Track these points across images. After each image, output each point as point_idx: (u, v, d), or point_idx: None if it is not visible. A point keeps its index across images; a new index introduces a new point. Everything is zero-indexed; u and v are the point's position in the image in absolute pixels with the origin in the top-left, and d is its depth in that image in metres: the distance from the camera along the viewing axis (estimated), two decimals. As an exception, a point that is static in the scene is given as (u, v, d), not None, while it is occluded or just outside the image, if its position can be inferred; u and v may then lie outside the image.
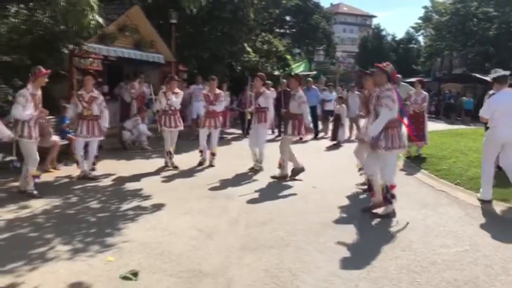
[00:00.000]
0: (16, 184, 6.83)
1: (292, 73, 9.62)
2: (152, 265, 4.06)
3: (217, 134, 9.15)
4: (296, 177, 7.81)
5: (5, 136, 6.13)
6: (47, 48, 9.61)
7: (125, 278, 3.77)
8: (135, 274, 3.82)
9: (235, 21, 16.14)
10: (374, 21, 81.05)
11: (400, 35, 71.92)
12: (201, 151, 9.05)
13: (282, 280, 3.80)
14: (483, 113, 6.37)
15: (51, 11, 8.61)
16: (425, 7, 43.76)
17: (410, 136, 9.85)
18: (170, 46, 15.12)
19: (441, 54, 41.93)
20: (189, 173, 8.34)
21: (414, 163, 9.35)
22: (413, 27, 49.75)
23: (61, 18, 7.71)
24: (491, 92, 6.81)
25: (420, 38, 51.86)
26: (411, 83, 11.60)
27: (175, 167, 8.62)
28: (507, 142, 6.13)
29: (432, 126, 17.07)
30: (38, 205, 5.90)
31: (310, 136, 11.98)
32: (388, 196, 5.58)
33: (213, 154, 9.06)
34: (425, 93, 10.07)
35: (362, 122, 7.67)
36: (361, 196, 6.75)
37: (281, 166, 7.85)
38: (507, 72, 6.51)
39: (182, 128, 9.08)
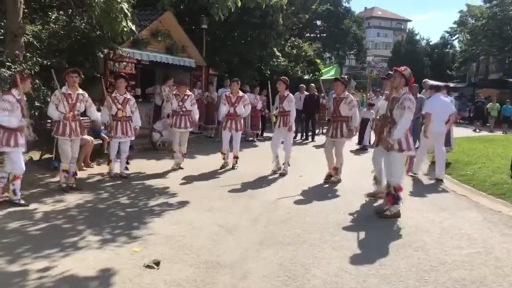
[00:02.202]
0: (54, 180, 7.33)
1: (338, 77, 9.56)
2: (174, 256, 4.35)
3: (239, 137, 9.22)
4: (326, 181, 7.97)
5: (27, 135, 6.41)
6: (84, 52, 10.16)
7: (148, 266, 4.07)
8: (157, 263, 4.12)
9: (264, 26, 16.44)
10: (409, 25, 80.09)
11: (435, 39, 70.80)
12: (223, 154, 9.19)
13: (295, 273, 4.01)
14: None
15: (88, 17, 9.08)
16: (460, 11, 42.89)
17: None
18: (201, 50, 15.56)
19: (477, 59, 41.02)
20: (214, 173, 8.63)
21: (439, 168, 9.33)
22: (447, 32, 48.84)
23: (97, 24, 8.15)
24: None
25: (456, 43, 50.88)
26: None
27: (180, 168, 8.81)
28: None
29: (463, 132, 16.93)
30: (72, 199, 6.32)
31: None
32: (395, 197, 5.71)
33: (235, 157, 9.17)
34: (451, 98, 10.03)
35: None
36: (380, 200, 6.84)
37: (337, 171, 7.94)
38: None
39: (192, 129, 9.24)
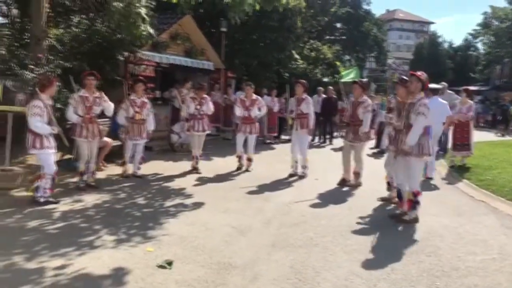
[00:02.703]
0: (73, 180, 7.50)
1: (356, 80, 9.50)
2: (187, 256, 4.42)
3: (253, 140, 9.25)
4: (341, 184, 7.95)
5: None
6: (105, 55, 10.34)
7: (160, 266, 4.15)
8: (170, 263, 4.19)
9: (282, 29, 16.48)
10: (432, 28, 78.93)
11: (459, 42, 69.59)
12: (238, 157, 9.24)
13: (305, 276, 4.04)
14: None
15: (108, 21, 9.26)
16: (484, 13, 42.15)
17: (454, 146, 9.79)
18: (219, 53, 15.67)
19: (501, 62, 40.24)
20: (230, 175, 8.70)
21: (457, 172, 9.22)
22: (471, 34, 48.00)
23: (116, 28, 8.32)
24: None
25: (479, 45, 49.94)
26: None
27: (199, 172, 8.83)
28: None
29: (486, 136, 16.63)
30: (90, 199, 6.46)
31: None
32: (414, 202, 5.66)
33: (249, 160, 9.21)
34: (471, 102, 9.89)
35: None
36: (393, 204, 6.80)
37: (357, 175, 7.92)
38: None
39: (209, 131, 9.31)
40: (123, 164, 8.15)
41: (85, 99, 6.95)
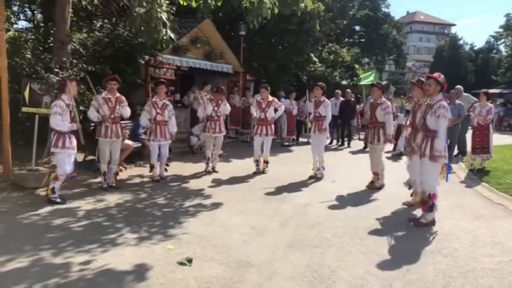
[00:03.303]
0: (95, 180, 7.73)
1: (375, 82, 9.53)
2: (206, 254, 4.54)
3: (269, 142, 9.26)
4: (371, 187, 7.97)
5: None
6: (126, 59, 10.62)
7: (181, 263, 4.28)
8: (190, 260, 4.32)
9: (301, 33, 16.57)
10: (453, 30, 77.96)
11: (480, 44, 68.55)
12: (256, 161, 9.22)
13: (321, 274, 4.12)
14: None
15: (129, 26, 9.50)
16: (507, 15, 41.45)
17: (474, 149, 9.73)
18: (238, 56, 15.85)
19: (524, 64, 39.48)
20: (248, 177, 8.79)
21: (476, 175, 9.16)
22: (493, 36, 47.21)
23: (137, 33, 8.53)
24: None
25: (502, 47, 49.07)
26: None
27: (216, 171, 8.99)
28: None
29: (508, 140, 16.40)
30: (112, 199, 6.66)
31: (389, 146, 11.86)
32: (430, 205, 5.68)
33: (265, 162, 9.26)
34: (490, 105, 9.83)
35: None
36: (415, 208, 6.80)
37: (378, 176, 7.93)
38: None
39: (225, 133, 9.40)
40: (152, 168, 8.17)
41: (108, 100, 7.19)
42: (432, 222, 5.74)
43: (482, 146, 9.60)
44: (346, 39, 31.76)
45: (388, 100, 12.90)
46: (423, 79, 6.13)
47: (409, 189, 6.88)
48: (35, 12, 14.47)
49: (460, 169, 10.15)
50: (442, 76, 5.85)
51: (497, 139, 12.81)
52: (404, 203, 6.83)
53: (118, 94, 7.37)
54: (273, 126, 9.37)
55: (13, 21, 11.38)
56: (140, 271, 4.08)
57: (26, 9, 14.10)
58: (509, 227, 5.82)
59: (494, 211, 6.63)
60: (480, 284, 3.98)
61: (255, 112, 9.28)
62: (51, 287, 3.71)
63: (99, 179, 7.54)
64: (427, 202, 5.73)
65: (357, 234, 5.37)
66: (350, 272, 4.20)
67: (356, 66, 25.26)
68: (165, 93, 8.46)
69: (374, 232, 5.46)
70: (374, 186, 7.89)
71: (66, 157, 6.35)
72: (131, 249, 4.64)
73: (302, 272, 4.17)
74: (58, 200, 6.30)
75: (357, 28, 35.17)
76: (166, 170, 8.41)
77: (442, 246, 5.01)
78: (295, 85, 18.07)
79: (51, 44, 9.98)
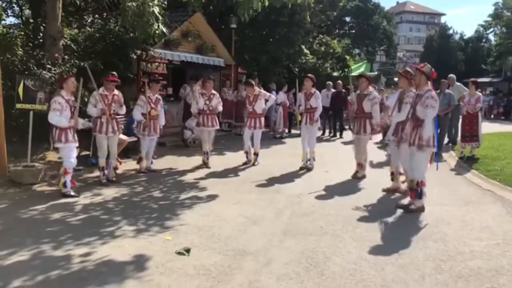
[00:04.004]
0: (91, 175, 7.80)
1: (363, 74, 9.64)
2: (203, 244, 4.66)
3: (259, 135, 9.35)
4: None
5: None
6: (118, 54, 10.63)
7: (179, 253, 4.39)
8: (188, 250, 4.43)
9: (292, 25, 16.65)
10: (443, 19, 78.20)
11: (470, 33, 68.81)
12: (246, 152, 9.34)
13: (316, 261, 4.25)
14: None
15: (122, 20, 9.53)
16: (495, 4, 41.65)
17: (463, 137, 9.91)
18: (230, 49, 15.90)
19: (513, 53, 39.76)
20: (241, 169, 8.91)
21: (466, 163, 9.34)
22: (482, 25, 47.47)
23: (130, 27, 8.57)
24: None
25: (491, 36, 49.38)
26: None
27: (208, 167, 8.95)
28: None
29: (497, 128, 16.64)
30: (108, 193, 6.75)
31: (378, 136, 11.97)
32: (418, 192, 5.83)
33: (255, 154, 9.34)
34: (479, 94, 10.00)
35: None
36: (397, 194, 6.94)
37: (361, 166, 8.07)
38: None
39: (218, 127, 9.39)
40: (140, 160, 8.37)
41: (105, 97, 7.26)
42: (422, 209, 5.89)
43: (471, 134, 9.77)
44: (337, 31, 31.85)
45: (379, 91, 13.08)
46: (409, 69, 6.29)
47: (392, 180, 7.07)
48: (23, 8, 14.39)
49: (451, 157, 10.34)
50: (428, 65, 5.96)
51: (487, 128, 13.03)
52: (383, 190, 7.04)
53: (116, 92, 7.45)
54: (262, 119, 9.42)
55: (4, 18, 11.31)
56: (140, 261, 4.19)
57: (14, 5, 14.04)
58: (496, 212, 5.99)
59: (483, 197, 6.80)
60: (469, 266, 4.13)
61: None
62: (54, 279, 3.81)
63: (95, 174, 7.63)
64: (416, 190, 5.87)
65: (350, 221, 5.51)
66: (344, 258, 4.33)
67: (347, 57, 25.36)
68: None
69: (366, 220, 5.60)
70: (357, 176, 8.04)
71: (71, 151, 6.47)
72: (130, 241, 4.74)
73: (297, 259, 4.29)
74: (72, 193, 6.44)
75: (348, 19, 35.29)
76: (152, 162, 8.51)
77: (432, 231, 5.16)
78: (287, 77, 18.15)
79: (41, 40, 9.98)
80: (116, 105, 7.41)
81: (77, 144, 6.65)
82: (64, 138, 6.38)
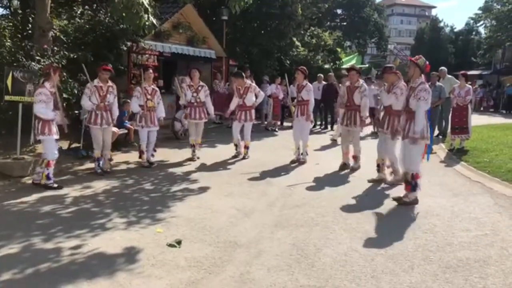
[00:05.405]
0: (81, 167, 7.76)
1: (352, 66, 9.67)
2: (195, 236, 4.66)
3: (249, 128, 9.25)
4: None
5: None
6: (108, 45, 10.53)
7: (170, 245, 4.39)
8: (179, 242, 4.44)
9: (283, 17, 16.58)
10: (434, 12, 78.44)
11: (460, 26, 69.09)
12: (235, 145, 9.29)
13: (307, 252, 4.28)
14: None
15: (111, 12, 9.43)
16: (485, -3, 41.87)
17: (453, 129, 10.00)
18: (221, 41, 15.82)
19: (503, 46, 40.02)
20: (233, 162, 8.90)
21: (456, 155, 9.42)
22: (472, 18, 47.70)
23: (119, 19, 8.49)
24: None
25: (481, 29, 49.67)
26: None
27: (197, 158, 8.90)
28: None
29: (486, 120, 16.80)
30: (99, 185, 6.71)
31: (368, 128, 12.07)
32: (413, 184, 5.87)
33: (246, 147, 9.26)
34: (469, 86, 10.07)
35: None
36: (395, 187, 6.98)
37: (356, 159, 8.12)
38: None
39: (206, 120, 9.25)
40: (141, 154, 8.22)
41: (100, 88, 7.24)
42: (415, 201, 5.93)
43: (461, 126, 9.84)
44: (328, 23, 31.81)
45: (372, 83, 13.12)
46: (391, 65, 6.42)
47: (378, 171, 7.19)
48: (12, -2, 14.18)
49: (440, 149, 10.42)
50: (422, 58, 5.98)
51: (476, 120, 13.15)
52: (369, 180, 7.16)
53: (110, 83, 7.43)
54: (253, 111, 9.32)
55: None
56: (131, 254, 4.19)
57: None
58: (485, 203, 6.06)
59: (472, 189, 6.88)
60: (457, 257, 4.18)
61: (235, 100, 9.23)
62: (44, 272, 3.79)
63: (85, 166, 7.59)
64: (410, 182, 5.91)
65: (341, 213, 5.55)
66: (334, 249, 4.37)
67: (339, 49, 25.35)
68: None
69: (357, 211, 5.65)
70: (347, 167, 8.10)
71: (53, 143, 6.45)
72: (121, 233, 4.73)
73: (288, 250, 4.32)
74: (55, 185, 6.40)
75: (339, 11, 35.26)
76: (153, 155, 8.44)
77: (422, 222, 5.21)
78: (278, 69, 18.11)
79: (30, 32, 9.85)
80: (111, 96, 7.37)
81: (57, 137, 6.58)
82: (48, 130, 6.34)
